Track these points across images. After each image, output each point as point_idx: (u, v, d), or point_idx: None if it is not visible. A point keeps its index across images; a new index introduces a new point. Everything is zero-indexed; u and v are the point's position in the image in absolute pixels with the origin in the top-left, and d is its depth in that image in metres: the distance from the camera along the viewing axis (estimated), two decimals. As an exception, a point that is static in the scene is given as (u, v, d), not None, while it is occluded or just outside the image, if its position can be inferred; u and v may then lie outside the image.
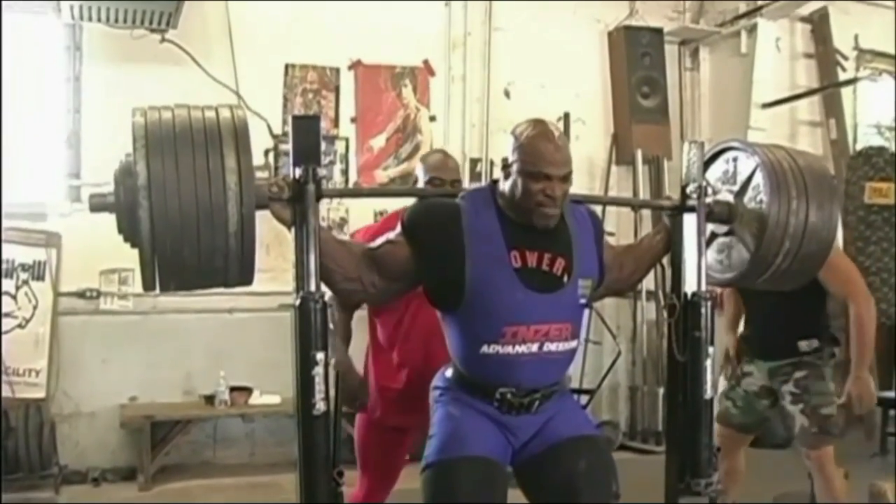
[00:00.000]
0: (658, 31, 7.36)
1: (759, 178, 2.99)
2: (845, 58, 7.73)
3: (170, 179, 2.29)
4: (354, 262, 2.63)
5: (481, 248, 2.61)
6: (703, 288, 3.04)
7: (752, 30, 7.25)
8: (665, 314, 3.19)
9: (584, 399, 6.92)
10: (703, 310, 3.03)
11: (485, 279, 2.60)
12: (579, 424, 2.83)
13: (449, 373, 2.79)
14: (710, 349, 3.05)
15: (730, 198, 3.10)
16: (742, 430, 4.29)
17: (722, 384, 4.27)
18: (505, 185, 2.67)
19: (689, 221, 3.05)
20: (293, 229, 2.59)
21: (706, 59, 7.73)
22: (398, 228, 2.69)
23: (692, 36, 7.65)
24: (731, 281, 3.23)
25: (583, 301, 2.76)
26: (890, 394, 6.84)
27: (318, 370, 2.55)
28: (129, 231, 2.39)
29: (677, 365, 3.13)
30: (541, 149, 2.61)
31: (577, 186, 7.09)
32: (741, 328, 4.40)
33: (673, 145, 7.28)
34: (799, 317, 3.98)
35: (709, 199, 3.04)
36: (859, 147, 7.34)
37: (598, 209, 6.88)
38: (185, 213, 2.30)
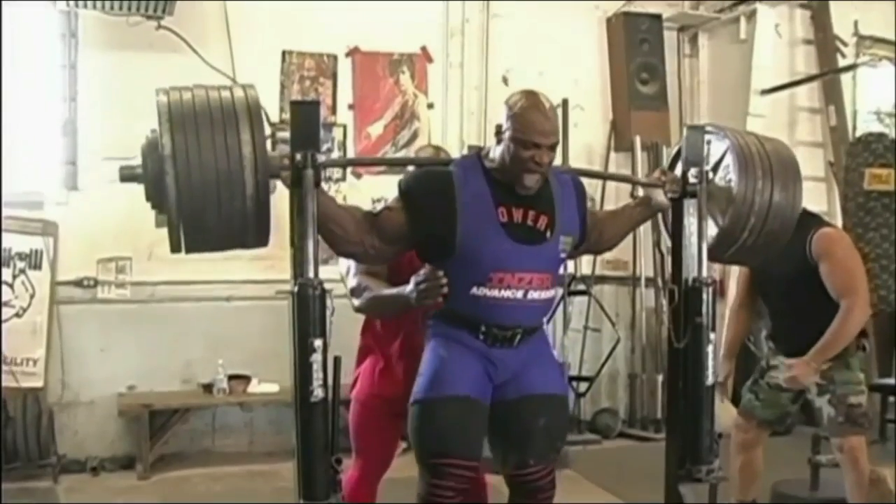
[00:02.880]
0: (657, 18, 7.33)
1: (728, 159, 3.18)
2: (845, 44, 7.69)
3: (192, 151, 2.54)
4: (356, 226, 2.87)
5: (471, 206, 2.89)
6: (705, 273, 3.04)
7: (752, 16, 7.22)
8: (665, 301, 3.20)
9: (583, 386, 6.97)
10: (704, 295, 3.03)
11: (474, 232, 2.88)
12: (549, 382, 3.11)
13: (440, 311, 3.02)
14: (712, 335, 3.06)
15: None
16: (763, 424, 4.28)
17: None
18: (495, 151, 2.95)
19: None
20: (293, 216, 2.66)
21: (705, 46, 7.70)
22: (396, 195, 2.95)
23: (691, 22, 7.62)
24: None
25: (563, 255, 3.06)
26: (889, 381, 6.85)
27: (317, 357, 2.57)
28: (156, 198, 2.64)
29: (678, 351, 3.13)
30: (532, 119, 2.86)
31: (576, 173, 7.02)
32: (764, 329, 4.41)
33: (672, 132, 7.26)
34: (822, 310, 3.96)
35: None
36: (859, 133, 7.31)
37: (598, 194, 6.93)
38: (206, 180, 2.55)
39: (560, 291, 3.09)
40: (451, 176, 2.93)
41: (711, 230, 3.20)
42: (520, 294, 2.92)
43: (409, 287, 2.95)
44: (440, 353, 2.98)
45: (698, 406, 3.08)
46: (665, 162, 6.90)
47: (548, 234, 2.97)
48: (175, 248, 2.70)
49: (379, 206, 3.00)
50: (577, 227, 3.07)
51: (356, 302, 3.22)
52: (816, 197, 7.68)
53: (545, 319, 3.18)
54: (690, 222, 3.10)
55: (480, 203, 2.90)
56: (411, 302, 2.94)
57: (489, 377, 2.99)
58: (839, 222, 6.76)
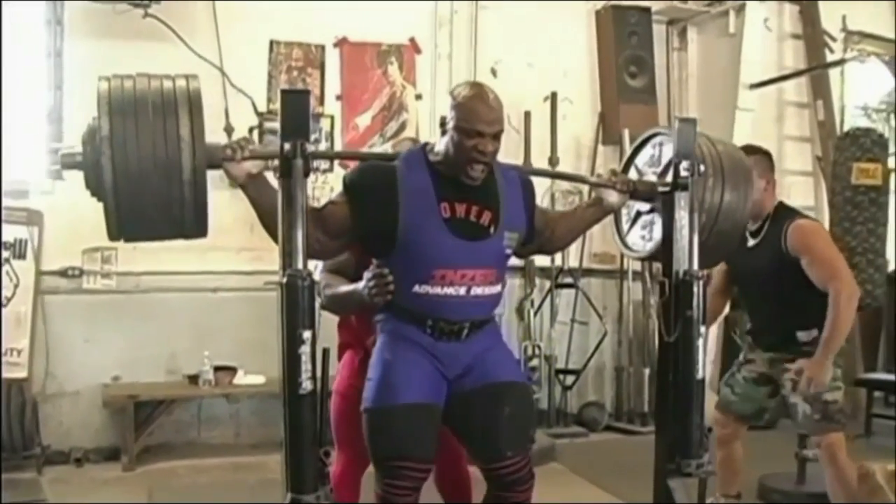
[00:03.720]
0: (646, 11, 7.32)
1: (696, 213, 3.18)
2: (833, 39, 7.72)
3: (129, 135, 2.57)
4: None
5: (413, 201, 2.90)
6: (696, 266, 3.04)
7: (741, 10, 7.23)
8: (655, 294, 3.19)
9: (570, 379, 6.97)
10: (695, 288, 3.02)
11: (416, 227, 2.88)
12: (509, 370, 3.14)
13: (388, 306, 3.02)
14: (702, 328, 3.05)
15: (654, 178, 3.32)
16: (740, 418, 4.29)
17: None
18: (440, 143, 2.95)
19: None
20: (280, 205, 2.65)
21: (694, 39, 7.71)
22: (340, 190, 2.98)
23: (680, 15, 7.62)
24: (653, 253, 3.44)
25: (508, 251, 3.04)
26: (874, 375, 6.88)
27: (305, 349, 2.57)
28: (94, 184, 2.65)
29: (668, 345, 3.12)
30: (475, 108, 2.87)
31: (564, 166, 7.13)
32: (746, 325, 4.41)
33: (660, 125, 7.24)
34: (797, 308, 3.97)
35: (633, 178, 3.36)
36: (846, 128, 7.33)
37: (584, 188, 6.90)
38: (143, 164, 2.57)
39: (505, 285, 3.09)
40: (394, 170, 2.94)
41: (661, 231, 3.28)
42: (462, 290, 2.93)
43: (362, 284, 2.95)
44: (387, 358, 2.99)
45: (688, 400, 3.07)
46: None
47: (491, 229, 2.97)
48: (113, 236, 2.74)
49: (323, 201, 3.03)
50: (523, 223, 3.07)
51: (318, 300, 3.20)
52: (804, 191, 7.72)
53: (495, 312, 3.17)
54: (681, 215, 3.10)
55: (422, 198, 2.91)
56: (365, 299, 2.94)
57: (440, 374, 3.00)
58: (826, 216, 6.77)
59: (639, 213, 3.45)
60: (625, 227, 3.53)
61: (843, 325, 3.90)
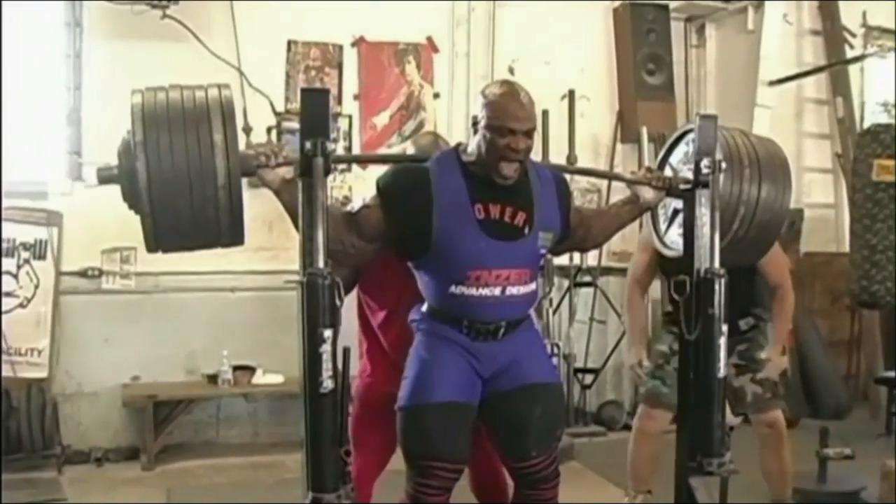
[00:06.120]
0: (664, 8, 7.28)
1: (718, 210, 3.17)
2: (853, 35, 7.67)
3: (164, 145, 2.59)
4: (336, 225, 2.82)
5: (447, 203, 2.89)
6: (717, 264, 3.02)
7: (759, 6, 7.18)
8: (674, 292, 3.18)
9: (588, 378, 6.95)
10: (716, 286, 3.01)
11: (450, 229, 2.89)
12: (543, 371, 3.14)
13: (424, 307, 3.06)
14: (724, 327, 3.04)
15: (689, 174, 3.23)
16: (671, 408, 4.28)
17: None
18: (472, 142, 2.94)
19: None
20: (300, 206, 2.66)
21: (712, 36, 7.65)
22: (374, 193, 2.96)
23: (698, 12, 7.57)
24: None
25: (542, 251, 3.05)
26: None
27: (326, 347, 2.57)
28: (131, 196, 2.65)
29: (688, 343, 3.11)
30: (506, 105, 2.87)
31: (582, 163, 7.10)
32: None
33: (678, 123, 7.22)
34: (740, 298, 3.97)
35: (668, 174, 3.31)
36: (866, 125, 7.29)
37: (603, 185, 6.90)
38: (178, 172, 2.59)
39: (540, 283, 3.12)
40: (426, 172, 2.93)
41: None
42: (497, 291, 2.93)
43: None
44: (423, 356, 3.01)
45: (710, 398, 3.06)
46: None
47: (526, 229, 2.97)
48: (150, 247, 2.74)
49: (355, 205, 3.00)
50: (557, 223, 3.07)
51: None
52: (824, 189, 7.70)
53: (530, 311, 3.19)
54: (703, 213, 3.08)
55: (456, 199, 2.91)
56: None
57: (476, 372, 3.01)
58: (846, 214, 6.74)
59: (676, 211, 3.41)
60: (662, 226, 3.50)
61: (790, 321, 4.41)
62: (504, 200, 2.94)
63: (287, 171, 2.72)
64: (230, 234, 2.73)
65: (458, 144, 3.07)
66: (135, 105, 2.65)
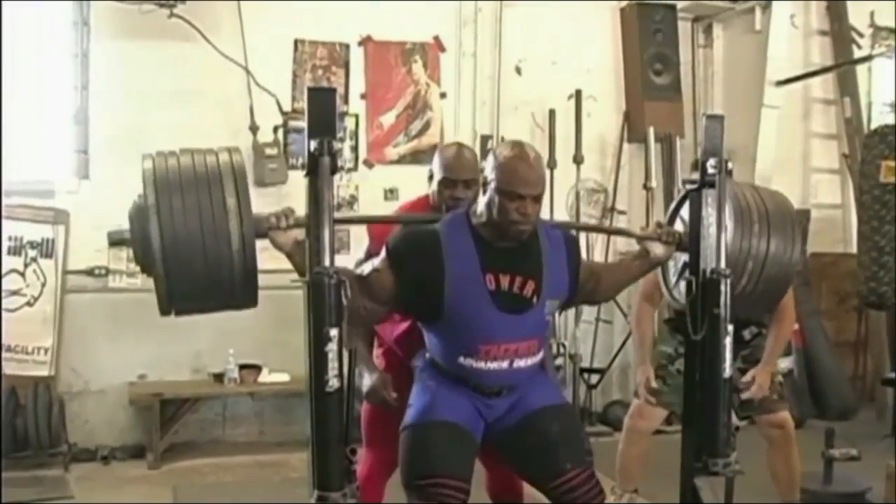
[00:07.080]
0: (671, 8, 7.27)
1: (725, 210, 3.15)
2: (860, 35, 7.66)
3: (176, 208, 2.62)
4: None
5: (459, 271, 2.87)
6: (723, 264, 3.02)
7: (767, 7, 7.15)
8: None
9: (594, 378, 6.94)
10: (722, 287, 3.00)
11: (462, 300, 2.87)
12: (549, 396, 3.12)
13: (428, 356, 3.08)
14: (730, 327, 3.03)
15: None
16: (666, 406, 4.36)
17: None
18: (481, 203, 2.92)
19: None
20: (307, 203, 2.65)
21: (720, 36, 7.63)
22: (383, 256, 2.93)
23: (705, 12, 7.55)
24: None
25: (548, 318, 3.05)
26: (903, 375, 6.80)
27: (332, 346, 2.56)
28: (143, 258, 2.70)
29: (695, 343, 3.10)
30: (516, 169, 2.84)
31: (589, 163, 7.11)
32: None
33: (685, 123, 7.22)
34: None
35: (679, 229, 3.30)
36: (874, 125, 7.26)
37: (609, 186, 6.90)
38: (191, 234, 2.61)
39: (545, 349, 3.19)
40: (437, 237, 2.92)
41: None
42: (505, 364, 2.95)
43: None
44: (430, 385, 3.03)
45: (715, 398, 3.05)
46: (678, 154, 6.95)
47: (534, 299, 2.95)
48: (164, 310, 2.76)
49: (367, 268, 2.96)
50: (564, 288, 3.05)
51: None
52: (831, 189, 7.68)
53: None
54: (709, 213, 3.07)
55: (468, 269, 2.89)
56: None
57: (480, 414, 3.02)
58: (853, 214, 6.72)
59: (685, 264, 3.35)
60: (672, 278, 3.48)
61: (786, 341, 4.44)
62: (513, 270, 2.92)
63: (299, 233, 2.72)
64: (244, 296, 2.77)
65: (470, 206, 3.03)
66: (146, 170, 2.68)
